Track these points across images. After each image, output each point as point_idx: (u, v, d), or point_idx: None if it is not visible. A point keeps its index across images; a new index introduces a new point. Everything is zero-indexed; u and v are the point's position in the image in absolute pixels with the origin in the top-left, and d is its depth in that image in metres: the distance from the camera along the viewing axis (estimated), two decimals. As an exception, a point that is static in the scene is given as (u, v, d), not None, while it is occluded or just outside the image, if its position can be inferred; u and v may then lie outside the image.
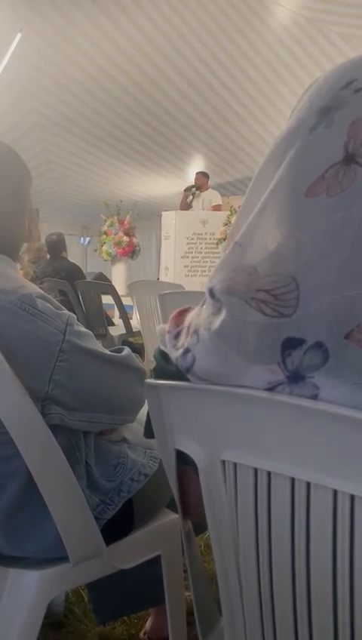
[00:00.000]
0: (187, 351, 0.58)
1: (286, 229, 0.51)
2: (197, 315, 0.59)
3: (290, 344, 0.50)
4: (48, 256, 4.85)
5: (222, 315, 0.54)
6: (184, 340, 0.59)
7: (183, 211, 6.36)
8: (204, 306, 0.58)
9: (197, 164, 8.28)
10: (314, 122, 0.50)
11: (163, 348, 0.64)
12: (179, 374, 0.60)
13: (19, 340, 0.88)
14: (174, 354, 0.61)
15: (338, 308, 0.48)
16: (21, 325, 0.88)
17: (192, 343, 0.58)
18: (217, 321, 0.54)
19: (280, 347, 0.51)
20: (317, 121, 0.50)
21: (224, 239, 5.33)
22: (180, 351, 0.59)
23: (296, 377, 0.51)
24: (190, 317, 0.61)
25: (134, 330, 4.27)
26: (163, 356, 0.65)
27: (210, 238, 5.83)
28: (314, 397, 0.51)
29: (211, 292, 0.55)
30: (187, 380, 0.60)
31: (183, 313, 0.64)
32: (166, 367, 0.63)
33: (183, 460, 0.64)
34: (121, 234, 5.73)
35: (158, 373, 0.65)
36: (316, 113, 0.51)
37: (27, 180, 1.06)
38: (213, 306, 0.56)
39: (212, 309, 0.56)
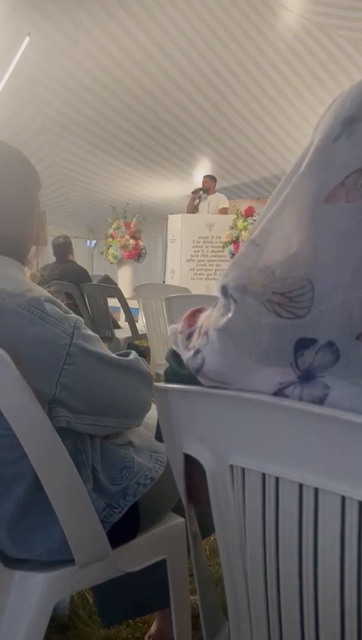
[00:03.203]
0: (197, 352, 0.58)
1: (305, 235, 0.51)
2: (209, 317, 0.59)
3: (303, 344, 0.51)
4: (55, 259, 4.87)
5: (230, 313, 0.54)
6: (196, 342, 0.60)
7: (189, 214, 6.38)
8: (216, 307, 0.58)
9: (203, 168, 8.28)
10: (338, 133, 0.51)
11: (175, 348, 0.64)
12: (193, 378, 0.60)
13: (28, 343, 0.89)
14: (186, 355, 0.61)
15: (352, 309, 0.49)
16: (29, 328, 0.89)
17: (202, 344, 0.58)
18: (224, 320, 0.55)
19: (293, 348, 0.51)
20: (340, 131, 0.51)
21: (230, 242, 5.33)
22: (191, 352, 0.59)
23: (306, 377, 0.51)
24: (203, 318, 0.61)
25: (140, 333, 4.27)
26: (176, 359, 0.65)
27: (216, 242, 5.84)
28: (325, 396, 0.51)
29: (224, 289, 0.55)
30: (200, 383, 0.60)
31: (196, 313, 0.64)
32: (178, 370, 0.63)
33: (193, 464, 0.64)
34: (127, 237, 5.74)
35: (169, 376, 0.65)
36: (340, 124, 0.52)
37: (36, 184, 1.06)
38: (224, 306, 0.56)
39: (222, 310, 0.56)
